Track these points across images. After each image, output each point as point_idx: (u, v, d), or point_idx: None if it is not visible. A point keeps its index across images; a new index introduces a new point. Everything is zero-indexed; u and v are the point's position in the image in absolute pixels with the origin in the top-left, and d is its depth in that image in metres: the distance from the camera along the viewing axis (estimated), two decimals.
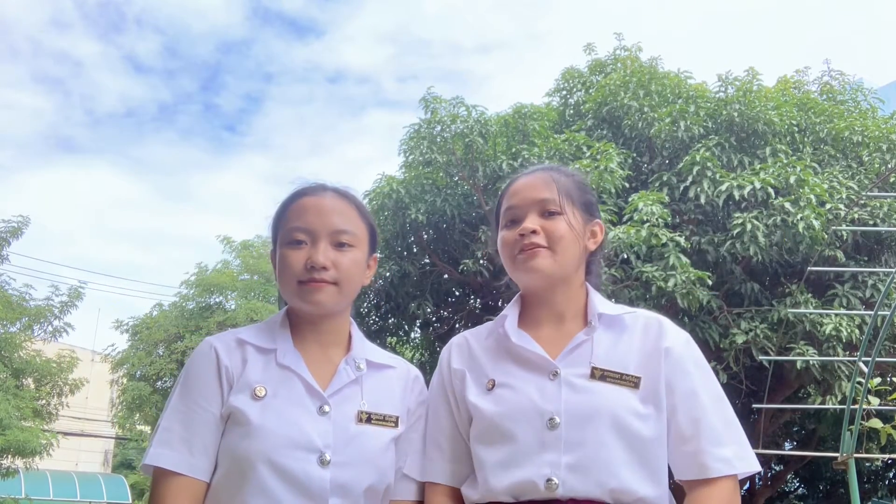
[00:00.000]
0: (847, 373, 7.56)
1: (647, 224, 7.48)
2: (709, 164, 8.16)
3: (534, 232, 1.57)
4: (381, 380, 1.62)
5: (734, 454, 1.47)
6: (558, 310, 1.61)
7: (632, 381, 1.49)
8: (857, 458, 5.71)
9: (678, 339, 1.57)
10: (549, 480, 1.42)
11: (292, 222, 1.58)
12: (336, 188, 1.65)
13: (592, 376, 1.49)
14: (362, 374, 1.59)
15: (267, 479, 1.42)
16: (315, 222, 1.56)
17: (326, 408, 1.51)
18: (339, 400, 1.54)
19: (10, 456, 12.18)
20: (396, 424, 1.58)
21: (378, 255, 1.71)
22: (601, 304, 1.62)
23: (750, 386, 8.36)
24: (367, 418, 1.54)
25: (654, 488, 1.46)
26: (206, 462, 1.47)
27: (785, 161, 8.29)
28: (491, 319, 1.71)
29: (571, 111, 10.42)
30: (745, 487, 11.27)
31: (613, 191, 8.01)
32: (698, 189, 8.12)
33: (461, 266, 8.79)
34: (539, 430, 1.46)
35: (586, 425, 1.44)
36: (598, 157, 8.16)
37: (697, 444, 1.48)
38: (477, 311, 10.17)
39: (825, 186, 8.02)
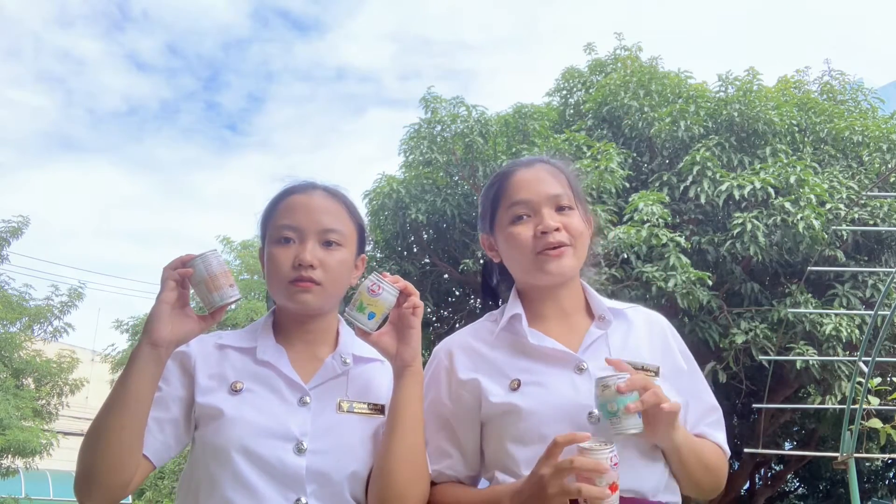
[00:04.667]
0: (847, 373, 7.55)
1: (648, 224, 7.48)
2: (709, 163, 8.16)
3: (557, 230, 1.51)
4: (368, 371, 1.60)
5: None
6: (562, 305, 1.59)
7: (652, 372, 1.51)
8: (857, 458, 5.72)
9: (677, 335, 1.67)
10: None
11: (281, 220, 1.57)
12: (326, 187, 1.63)
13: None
14: (349, 369, 1.57)
15: (242, 467, 1.42)
16: (303, 220, 1.55)
17: (307, 399, 1.50)
18: (321, 392, 1.52)
19: (10, 456, 12.17)
20: (382, 412, 1.54)
21: (367, 255, 1.69)
22: (604, 299, 1.62)
23: (750, 386, 8.36)
24: (350, 408, 1.52)
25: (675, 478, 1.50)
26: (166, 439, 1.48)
27: (785, 161, 8.29)
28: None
29: (572, 111, 10.41)
30: (746, 487, 11.27)
31: (613, 191, 8.01)
32: (698, 189, 8.12)
33: (461, 266, 8.79)
34: (580, 426, 1.42)
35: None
36: (599, 157, 8.16)
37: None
38: (477, 311, 10.15)
39: (825, 186, 8.02)
